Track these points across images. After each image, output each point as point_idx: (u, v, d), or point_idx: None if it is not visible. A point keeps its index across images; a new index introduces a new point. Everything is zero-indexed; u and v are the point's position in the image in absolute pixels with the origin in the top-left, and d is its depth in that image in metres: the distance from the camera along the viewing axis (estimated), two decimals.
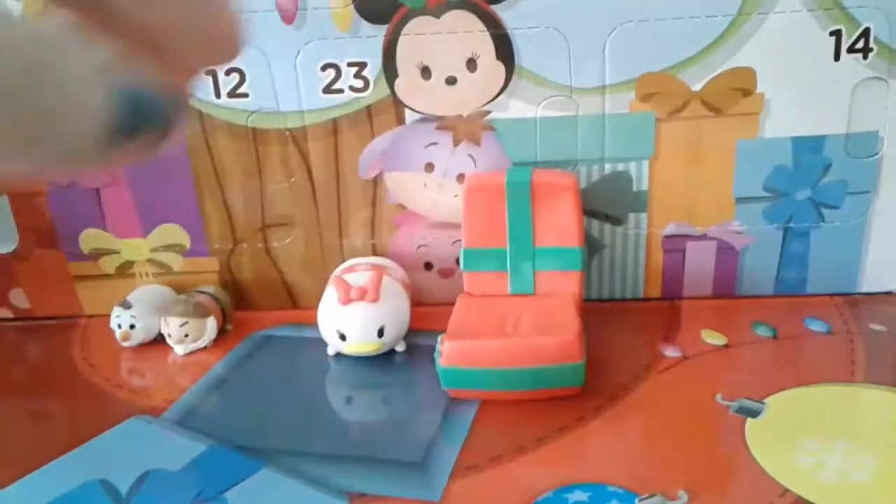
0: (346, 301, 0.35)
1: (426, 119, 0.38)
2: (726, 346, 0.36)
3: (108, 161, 0.13)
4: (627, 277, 0.40)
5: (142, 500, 0.27)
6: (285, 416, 0.33)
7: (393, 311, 0.36)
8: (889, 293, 0.40)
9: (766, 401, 0.31)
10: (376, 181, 0.40)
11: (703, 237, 0.39)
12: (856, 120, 0.36)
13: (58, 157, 0.12)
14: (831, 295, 0.40)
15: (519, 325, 0.33)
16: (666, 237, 0.39)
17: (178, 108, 0.13)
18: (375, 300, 0.35)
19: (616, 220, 0.39)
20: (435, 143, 0.38)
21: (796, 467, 0.27)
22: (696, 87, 0.36)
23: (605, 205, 0.39)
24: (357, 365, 0.37)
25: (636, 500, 0.26)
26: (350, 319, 0.35)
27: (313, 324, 0.37)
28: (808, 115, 0.37)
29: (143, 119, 0.12)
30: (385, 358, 0.37)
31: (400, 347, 0.37)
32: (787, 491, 0.26)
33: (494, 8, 0.36)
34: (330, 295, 0.36)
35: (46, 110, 0.12)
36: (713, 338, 0.36)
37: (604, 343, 0.36)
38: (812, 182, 0.37)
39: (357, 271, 0.38)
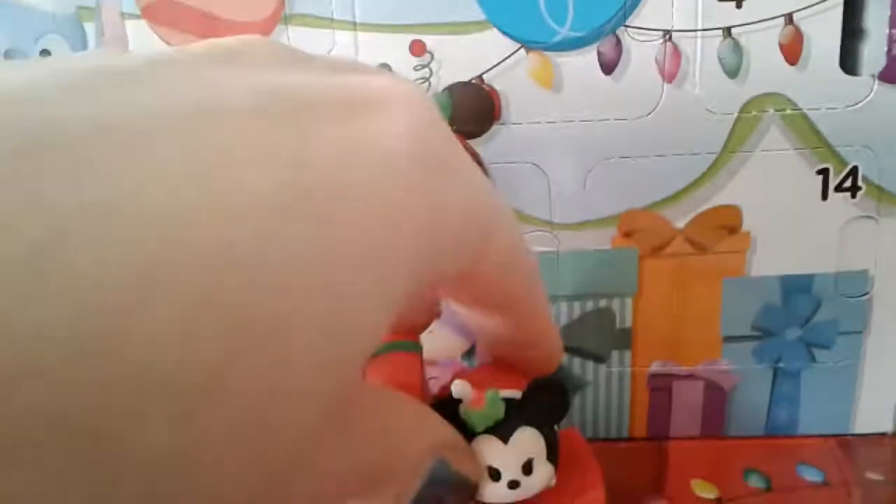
0: None
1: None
2: (717, 499, 0.33)
3: None
4: (612, 416, 0.38)
5: None
6: None
7: None
8: (883, 434, 0.38)
9: None
10: None
11: (690, 376, 0.37)
12: (845, 259, 0.35)
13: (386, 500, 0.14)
14: (824, 437, 0.38)
15: None
16: (651, 376, 0.37)
17: (465, 494, 0.16)
18: None
19: (599, 358, 0.37)
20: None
21: None
22: (680, 225, 0.35)
23: (587, 342, 0.37)
24: None
25: None
26: None
27: None
28: (796, 254, 0.35)
29: (437, 491, 0.15)
30: None
31: None
32: None
33: None
34: None
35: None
36: (704, 490, 0.34)
37: None
38: (802, 321, 0.36)
39: None
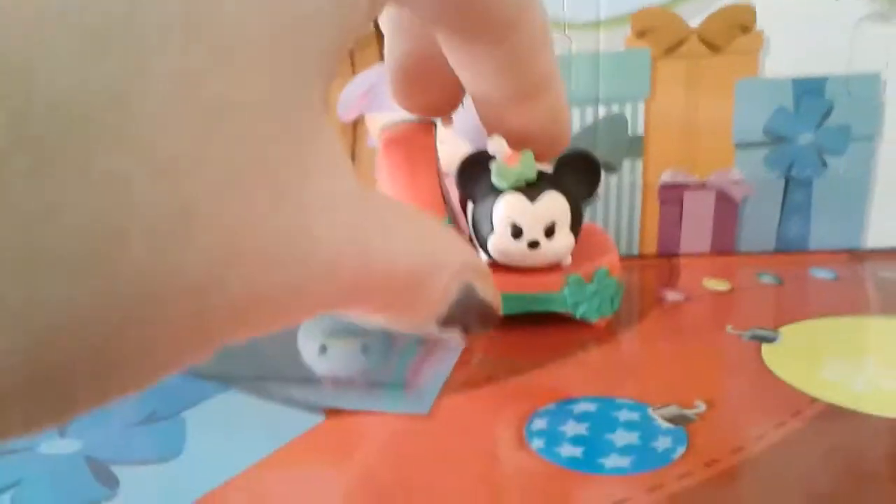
0: None
1: None
2: (730, 290, 0.33)
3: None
4: (622, 231, 0.38)
5: (86, 417, 0.24)
6: (252, 350, 0.30)
7: None
8: None
9: (780, 330, 0.28)
10: (356, 124, 0.37)
11: (702, 187, 0.37)
12: (857, 60, 0.35)
13: (416, 324, 0.14)
14: (835, 251, 0.38)
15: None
16: (663, 186, 0.37)
17: (489, 321, 0.15)
18: None
19: (611, 168, 0.37)
20: None
21: (823, 380, 0.24)
22: (694, 23, 0.35)
23: (599, 151, 0.37)
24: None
25: (649, 410, 0.23)
26: None
27: None
28: (809, 55, 0.35)
29: (465, 316, 0.14)
30: None
31: None
32: (816, 400, 0.23)
33: None
34: None
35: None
36: (716, 284, 0.34)
37: None
38: (813, 126, 0.36)
39: None
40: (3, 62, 0.07)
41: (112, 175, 0.07)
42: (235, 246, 0.09)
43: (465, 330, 0.14)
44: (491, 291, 0.14)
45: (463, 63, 0.17)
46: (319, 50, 0.10)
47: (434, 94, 0.21)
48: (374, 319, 0.13)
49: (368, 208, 0.12)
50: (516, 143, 0.19)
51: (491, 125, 0.19)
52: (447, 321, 0.14)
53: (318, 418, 0.23)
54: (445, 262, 0.13)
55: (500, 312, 0.15)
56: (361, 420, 0.23)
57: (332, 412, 0.24)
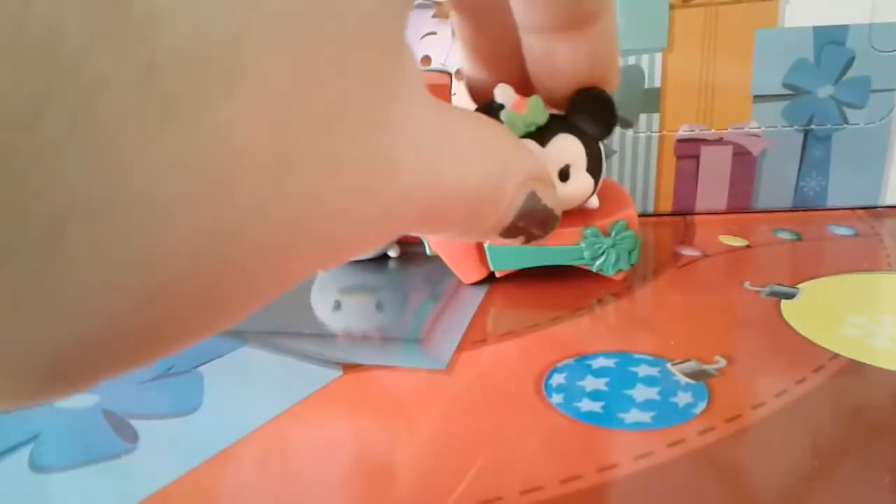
0: None
1: (421, 6, 0.35)
2: (747, 246, 0.33)
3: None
4: (637, 187, 0.38)
5: None
6: (265, 307, 0.29)
7: None
8: None
9: (799, 286, 0.28)
10: None
11: (719, 141, 0.36)
12: (881, 9, 0.34)
13: (482, 235, 0.14)
14: (854, 208, 0.37)
15: None
16: (679, 141, 0.37)
17: (549, 226, 0.15)
18: None
19: (626, 123, 0.37)
20: (432, 34, 0.35)
21: (844, 336, 0.24)
22: None
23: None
24: (346, 269, 0.33)
25: (668, 365, 0.23)
26: None
27: None
28: (831, 3, 0.34)
29: (528, 223, 0.14)
30: (377, 263, 0.34)
31: (393, 252, 0.34)
32: (837, 355, 0.23)
33: None
34: None
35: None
36: (733, 240, 0.33)
37: None
38: (834, 78, 0.35)
39: None
40: (129, 10, 0.07)
41: (223, 121, 0.08)
42: (327, 186, 0.09)
43: (527, 236, 0.14)
44: (551, 196, 0.15)
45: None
46: None
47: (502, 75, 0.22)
48: (441, 235, 0.14)
49: (444, 129, 0.12)
50: (567, 76, 0.20)
51: (541, 60, 0.19)
52: (511, 230, 0.14)
53: (336, 373, 0.23)
54: (512, 172, 0.14)
55: (559, 216, 0.15)
56: (380, 375, 0.23)
57: (349, 367, 0.24)
